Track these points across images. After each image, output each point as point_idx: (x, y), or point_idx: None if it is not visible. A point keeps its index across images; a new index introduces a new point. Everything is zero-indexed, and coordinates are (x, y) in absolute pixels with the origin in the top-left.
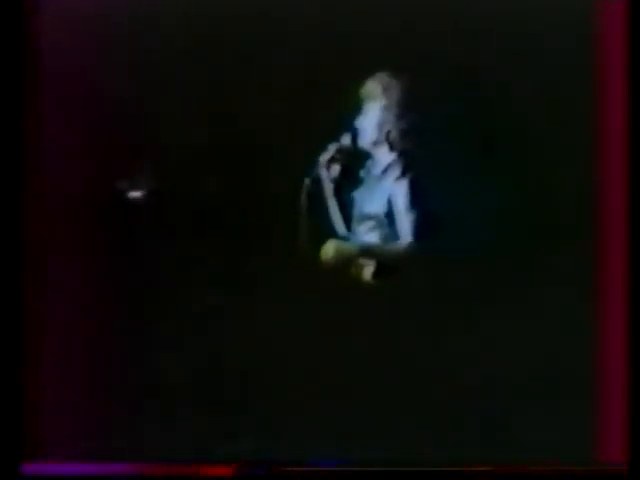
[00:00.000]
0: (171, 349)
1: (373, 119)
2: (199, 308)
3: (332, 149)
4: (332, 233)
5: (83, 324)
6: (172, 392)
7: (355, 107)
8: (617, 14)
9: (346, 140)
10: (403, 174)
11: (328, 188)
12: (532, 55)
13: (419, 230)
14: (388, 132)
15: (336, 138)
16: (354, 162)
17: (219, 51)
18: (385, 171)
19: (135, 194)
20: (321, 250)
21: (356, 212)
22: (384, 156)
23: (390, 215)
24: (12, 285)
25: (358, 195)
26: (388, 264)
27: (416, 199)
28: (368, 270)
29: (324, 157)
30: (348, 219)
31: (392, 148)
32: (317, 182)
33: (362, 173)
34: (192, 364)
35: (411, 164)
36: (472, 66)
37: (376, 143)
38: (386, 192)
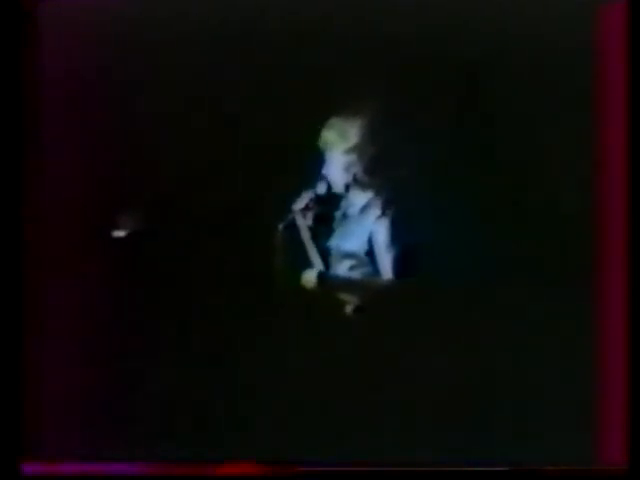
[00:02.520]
0: (171, 350)
1: (338, 165)
2: (198, 309)
3: (306, 197)
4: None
5: (83, 325)
6: (172, 392)
7: (322, 155)
8: (617, 15)
9: (320, 188)
10: (383, 213)
11: (305, 235)
12: (530, 57)
13: (400, 267)
14: (355, 174)
15: (309, 186)
16: (329, 208)
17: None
18: (362, 211)
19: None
20: (302, 277)
21: (335, 252)
22: (358, 197)
23: (371, 253)
24: (12, 286)
25: (336, 236)
26: (370, 301)
27: (396, 236)
28: (349, 307)
29: (298, 205)
30: (327, 260)
31: (363, 188)
32: (291, 228)
33: (338, 215)
34: (191, 364)
35: (389, 202)
36: (458, 80)
37: (347, 186)
38: (366, 231)
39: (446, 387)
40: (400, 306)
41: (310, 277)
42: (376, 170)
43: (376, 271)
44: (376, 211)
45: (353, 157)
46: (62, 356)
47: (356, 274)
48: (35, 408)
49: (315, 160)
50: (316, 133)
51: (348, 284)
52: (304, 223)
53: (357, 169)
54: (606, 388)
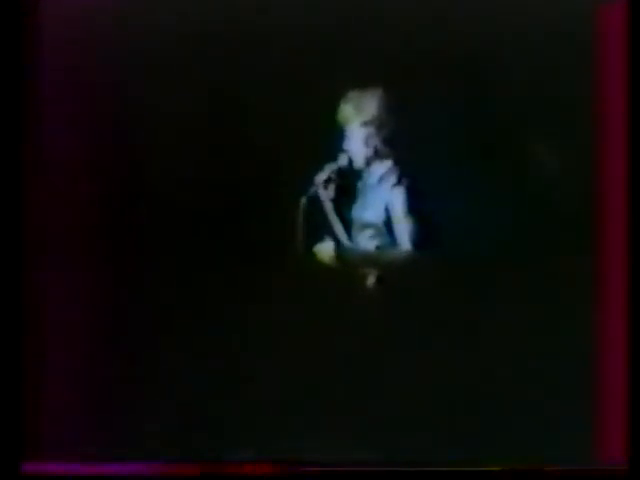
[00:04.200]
0: (172, 349)
1: (358, 138)
2: (200, 308)
3: (328, 170)
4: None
5: (83, 324)
6: (172, 392)
7: (342, 130)
8: (617, 15)
9: (342, 160)
10: (399, 181)
11: (328, 207)
12: (531, 56)
13: (418, 236)
14: (375, 146)
15: (332, 159)
16: (351, 179)
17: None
18: (380, 180)
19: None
20: (318, 249)
21: (356, 222)
22: (378, 167)
23: (388, 223)
24: (13, 285)
25: (357, 206)
26: (388, 271)
27: (413, 205)
28: (370, 278)
29: (320, 177)
30: (349, 230)
31: (383, 158)
32: (315, 201)
33: (360, 186)
34: (192, 364)
35: (406, 171)
36: (466, 68)
37: (368, 159)
38: (383, 200)
39: (445, 386)
40: (417, 278)
41: (327, 248)
42: (395, 140)
43: (394, 241)
44: (392, 180)
45: (371, 129)
46: (62, 356)
47: (376, 243)
48: (35, 408)
49: (337, 134)
50: (335, 107)
51: (366, 255)
52: (327, 195)
53: (376, 141)
54: (606, 388)
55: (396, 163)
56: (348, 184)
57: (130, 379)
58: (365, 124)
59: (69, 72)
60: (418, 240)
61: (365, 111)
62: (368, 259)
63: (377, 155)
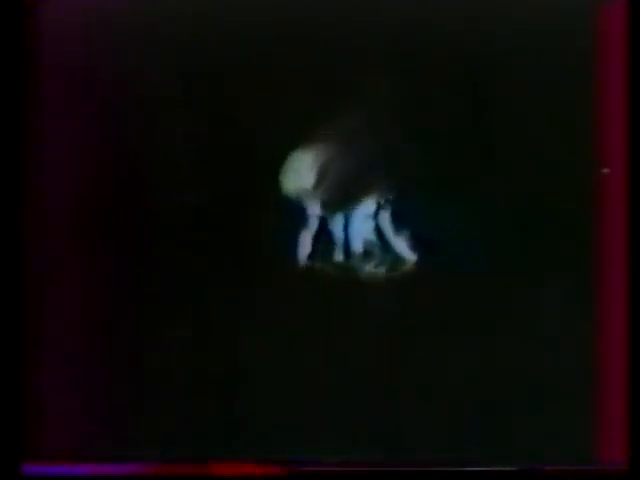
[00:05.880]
0: (172, 349)
1: (316, 201)
2: (199, 309)
3: (306, 239)
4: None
5: (83, 324)
6: (172, 392)
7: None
8: (617, 14)
9: (313, 225)
10: (379, 206)
11: (321, 268)
12: (530, 56)
13: (413, 250)
14: (335, 197)
15: (304, 226)
16: (331, 232)
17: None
18: (360, 214)
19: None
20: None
21: (353, 253)
22: (351, 208)
23: (383, 244)
24: (12, 284)
25: (348, 247)
26: (395, 287)
27: (401, 222)
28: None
29: (304, 251)
30: (349, 258)
31: (357, 199)
32: (307, 270)
33: (343, 231)
34: (192, 364)
35: (383, 195)
36: (459, 71)
37: (336, 207)
38: (371, 229)
39: (444, 387)
40: (419, 287)
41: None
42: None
43: (394, 259)
44: (372, 207)
45: (325, 185)
46: (62, 356)
47: (378, 268)
48: (35, 408)
49: (297, 204)
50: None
51: (368, 273)
52: (317, 259)
53: (335, 193)
54: (606, 388)
55: (370, 194)
56: (332, 237)
57: (130, 379)
58: (317, 185)
59: (69, 72)
60: (415, 253)
61: (307, 178)
62: (370, 276)
63: (342, 201)
